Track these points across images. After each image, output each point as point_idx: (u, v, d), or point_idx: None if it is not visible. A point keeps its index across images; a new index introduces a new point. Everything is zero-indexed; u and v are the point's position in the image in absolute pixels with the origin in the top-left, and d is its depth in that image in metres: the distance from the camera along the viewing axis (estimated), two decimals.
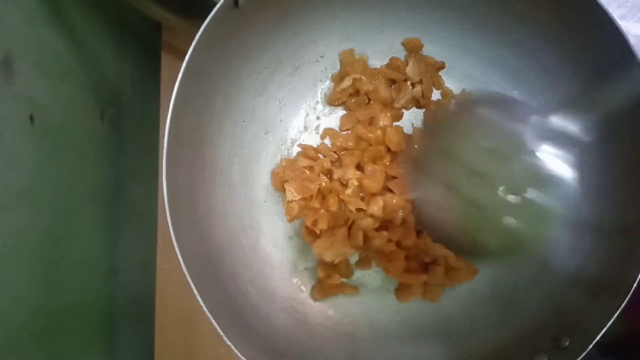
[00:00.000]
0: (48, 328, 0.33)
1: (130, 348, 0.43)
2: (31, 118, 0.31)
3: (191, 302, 0.42)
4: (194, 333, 0.42)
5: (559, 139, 0.24)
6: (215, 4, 0.28)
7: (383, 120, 0.38)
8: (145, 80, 0.47)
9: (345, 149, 0.39)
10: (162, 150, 0.28)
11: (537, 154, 0.24)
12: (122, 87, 0.44)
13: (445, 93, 0.40)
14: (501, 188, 0.24)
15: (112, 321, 0.41)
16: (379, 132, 0.38)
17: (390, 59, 0.40)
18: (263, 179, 0.39)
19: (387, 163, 0.38)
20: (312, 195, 0.37)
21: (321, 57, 0.40)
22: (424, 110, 0.41)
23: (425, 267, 0.38)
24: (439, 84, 0.40)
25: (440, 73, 0.40)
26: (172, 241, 0.28)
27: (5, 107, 0.29)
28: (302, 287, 0.39)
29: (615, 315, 0.27)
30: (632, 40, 0.29)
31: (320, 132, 0.41)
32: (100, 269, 0.40)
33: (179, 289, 0.42)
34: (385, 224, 0.37)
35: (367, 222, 0.36)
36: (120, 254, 0.42)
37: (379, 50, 0.40)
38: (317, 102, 0.41)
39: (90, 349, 0.38)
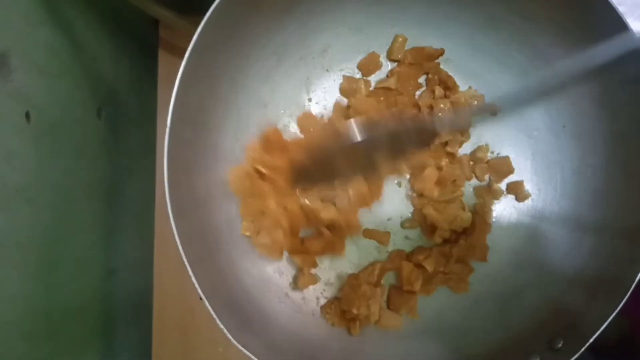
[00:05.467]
0: (45, 328, 0.33)
1: (128, 347, 0.43)
2: (27, 116, 0.31)
3: (189, 301, 0.42)
4: (191, 332, 0.42)
5: None
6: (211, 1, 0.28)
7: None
8: (142, 78, 0.47)
9: None
10: (166, 131, 0.28)
11: None
12: (119, 85, 0.44)
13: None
14: None
15: (109, 320, 0.41)
16: None
17: None
18: None
19: None
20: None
21: (328, 47, 0.39)
22: None
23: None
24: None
25: (449, 69, 0.40)
26: (169, 240, 0.27)
27: (2, 105, 0.28)
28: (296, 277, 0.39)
29: (612, 318, 0.27)
30: None
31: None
32: (97, 268, 0.40)
33: (177, 288, 0.42)
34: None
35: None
36: (117, 253, 0.42)
37: (388, 44, 0.40)
38: (323, 91, 0.41)
39: (88, 348, 0.38)
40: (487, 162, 0.40)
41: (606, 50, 0.30)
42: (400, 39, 0.39)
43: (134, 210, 0.45)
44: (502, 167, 0.39)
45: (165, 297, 0.42)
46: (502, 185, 0.40)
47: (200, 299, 0.28)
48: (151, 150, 0.42)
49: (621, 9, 0.40)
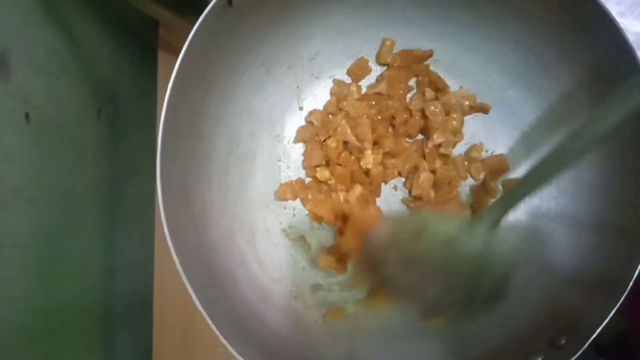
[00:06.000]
0: (45, 328, 0.33)
1: (129, 347, 0.43)
2: (27, 116, 0.31)
3: (189, 302, 0.42)
4: (192, 332, 0.42)
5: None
6: (209, 1, 0.28)
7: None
8: (142, 78, 0.47)
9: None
10: (157, 147, 0.28)
11: None
12: (119, 85, 0.44)
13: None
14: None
15: (109, 320, 0.41)
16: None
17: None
18: (259, 176, 0.39)
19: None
20: None
21: (317, 54, 0.40)
22: None
23: None
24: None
25: (439, 70, 0.40)
26: (168, 243, 0.28)
27: (1, 106, 0.28)
28: (298, 286, 0.39)
29: (611, 315, 0.28)
30: (631, 38, 0.29)
31: None
32: (97, 269, 0.40)
33: (177, 288, 0.41)
34: None
35: None
36: (117, 253, 0.42)
37: (376, 48, 0.40)
38: (314, 99, 0.41)
39: (88, 348, 0.38)
40: (482, 160, 0.40)
41: (598, 46, 0.30)
42: (388, 42, 0.39)
43: (134, 210, 0.45)
44: (498, 165, 0.39)
45: (165, 297, 0.42)
46: (498, 183, 0.40)
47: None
48: (151, 150, 0.42)
49: (620, 8, 0.40)
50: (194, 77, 0.30)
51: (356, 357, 0.36)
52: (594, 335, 0.27)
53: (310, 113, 0.40)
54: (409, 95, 0.41)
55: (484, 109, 0.40)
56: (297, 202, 0.40)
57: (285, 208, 0.40)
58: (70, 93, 0.36)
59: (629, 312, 0.28)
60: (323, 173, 0.38)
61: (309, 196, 0.40)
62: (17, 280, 0.30)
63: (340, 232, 0.39)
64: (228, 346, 0.27)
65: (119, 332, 0.42)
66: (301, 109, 0.41)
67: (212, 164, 0.36)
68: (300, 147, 0.41)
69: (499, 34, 0.36)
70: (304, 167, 0.40)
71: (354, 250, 0.35)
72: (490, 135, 0.40)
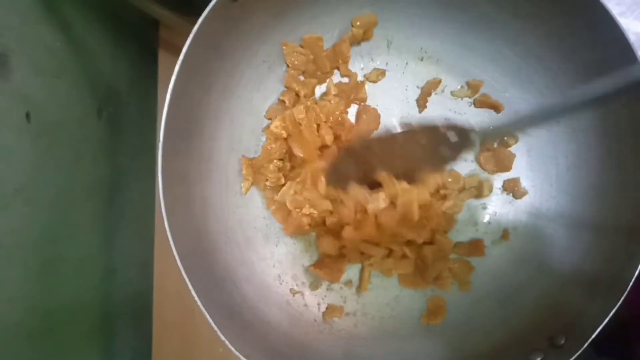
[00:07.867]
0: (44, 328, 0.33)
1: (128, 347, 0.43)
2: (27, 116, 0.31)
3: (189, 302, 0.42)
4: (191, 332, 0.42)
5: None
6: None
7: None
8: (142, 78, 0.47)
9: None
10: (159, 145, 0.28)
11: None
12: (119, 85, 0.44)
13: None
14: None
15: (109, 320, 0.41)
16: None
17: None
18: None
19: None
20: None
21: None
22: None
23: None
24: None
25: (439, 70, 0.40)
26: (169, 240, 0.28)
27: (1, 105, 0.28)
28: (297, 284, 0.39)
29: (611, 315, 0.28)
30: (632, 38, 0.29)
31: None
32: (97, 268, 0.40)
33: (177, 288, 0.42)
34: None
35: None
36: (117, 253, 0.42)
37: (379, 46, 0.40)
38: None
39: (87, 348, 0.38)
40: (493, 150, 0.40)
41: (598, 46, 0.30)
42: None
43: (134, 210, 0.45)
44: (504, 160, 0.39)
45: (165, 297, 0.42)
46: (495, 178, 0.40)
47: None
48: (151, 150, 0.42)
49: (621, 8, 0.40)
50: (196, 74, 0.30)
51: (355, 356, 0.36)
52: (594, 335, 0.27)
53: (284, 93, 0.39)
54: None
55: (496, 107, 0.40)
56: None
57: None
58: (70, 93, 0.36)
59: (630, 305, 0.28)
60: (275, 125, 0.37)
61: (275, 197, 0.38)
62: (16, 281, 0.30)
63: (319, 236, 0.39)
64: (227, 342, 0.27)
65: (118, 331, 0.42)
66: None
67: (213, 160, 0.36)
68: None
69: (499, 34, 0.37)
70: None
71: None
72: None
